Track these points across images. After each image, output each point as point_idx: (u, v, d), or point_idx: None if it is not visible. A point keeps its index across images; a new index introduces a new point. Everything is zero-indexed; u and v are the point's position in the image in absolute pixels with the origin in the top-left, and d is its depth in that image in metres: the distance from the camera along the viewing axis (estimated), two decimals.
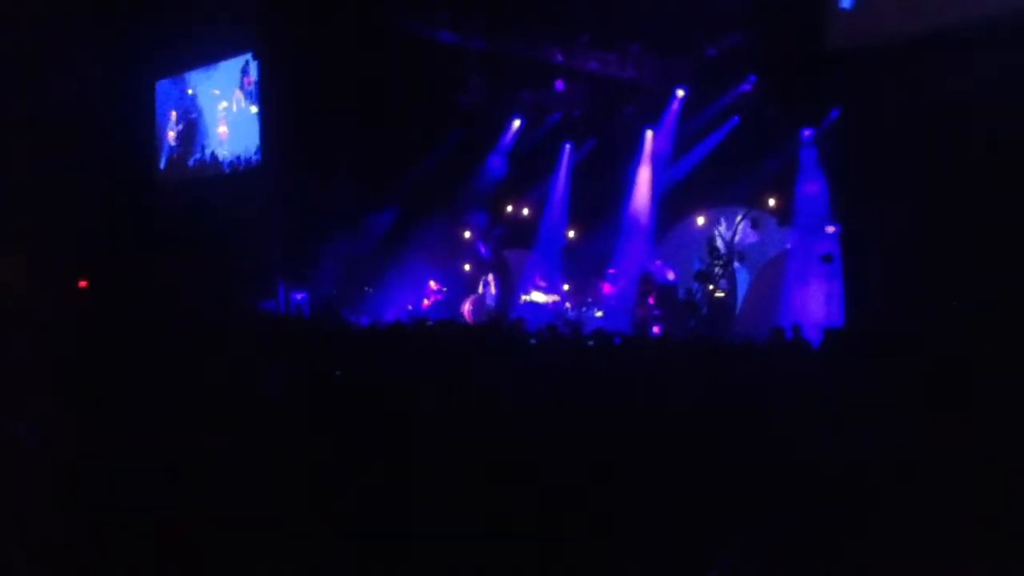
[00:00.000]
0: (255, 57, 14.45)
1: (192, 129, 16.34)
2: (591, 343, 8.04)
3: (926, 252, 8.11)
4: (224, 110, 15.65)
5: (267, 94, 14.34)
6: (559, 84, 14.08)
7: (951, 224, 7.88)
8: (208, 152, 16.00)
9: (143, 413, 4.89)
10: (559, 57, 13.32)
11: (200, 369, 6.05)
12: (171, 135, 16.84)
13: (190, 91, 16.39)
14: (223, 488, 3.91)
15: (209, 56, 15.30)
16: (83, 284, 13.65)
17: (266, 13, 13.04)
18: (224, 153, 15.62)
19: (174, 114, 16.81)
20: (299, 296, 13.78)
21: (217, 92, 15.74)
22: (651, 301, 12.88)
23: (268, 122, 14.33)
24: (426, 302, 14.71)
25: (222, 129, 15.72)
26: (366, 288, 14.69)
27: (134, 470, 4.07)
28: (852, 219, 10.19)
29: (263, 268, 13.59)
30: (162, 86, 16.67)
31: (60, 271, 13.45)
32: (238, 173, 15.09)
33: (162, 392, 5.35)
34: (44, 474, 4.06)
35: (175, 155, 16.68)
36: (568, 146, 14.76)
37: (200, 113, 16.26)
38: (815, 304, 11.45)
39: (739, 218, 13.19)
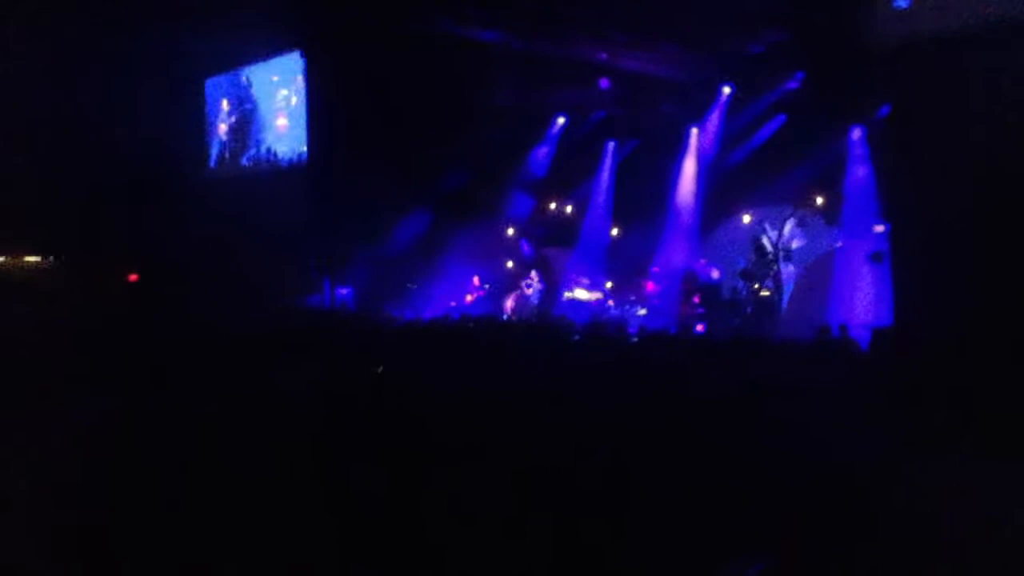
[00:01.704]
0: (303, 55, 14.58)
1: (247, 121, 15.76)
2: (635, 340, 8.01)
3: (977, 252, 7.94)
4: (284, 99, 14.99)
5: (313, 92, 14.49)
6: (603, 82, 14.02)
7: (1002, 223, 7.70)
8: (264, 148, 15.50)
9: (185, 407, 4.97)
10: (602, 56, 13.26)
11: (243, 366, 6.13)
12: (222, 128, 16.25)
13: (245, 79, 15.71)
14: (253, 482, 3.95)
15: (257, 54, 15.41)
16: (133, 278, 13.93)
17: (314, 11, 13.15)
18: (283, 149, 15.09)
19: (226, 104, 16.17)
20: (344, 291, 13.93)
21: (276, 79, 15.08)
22: (695, 300, 12.79)
23: (314, 120, 14.48)
24: (469, 298, 14.76)
25: (281, 122, 15.06)
26: (409, 284, 14.79)
27: (170, 466, 4.13)
28: (901, 218, 10.00)
29: (309, 264, 13.74)
30: (212, 83, 16.48)
31: (109, 268, 13.70)
32: (293, 170, 14.95)
33: (205, 387, 5.43)
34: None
35: (227, 151, 16.23)
36: (612, 144, 14.72)
37: (256, 104, 15.58)
38: (863, 304, 11.27)
39: (786, 217, 13.04)
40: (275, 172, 15.26)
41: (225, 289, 12.33)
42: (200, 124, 16.68)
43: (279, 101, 15.22)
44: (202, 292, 12.16)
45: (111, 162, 14.06)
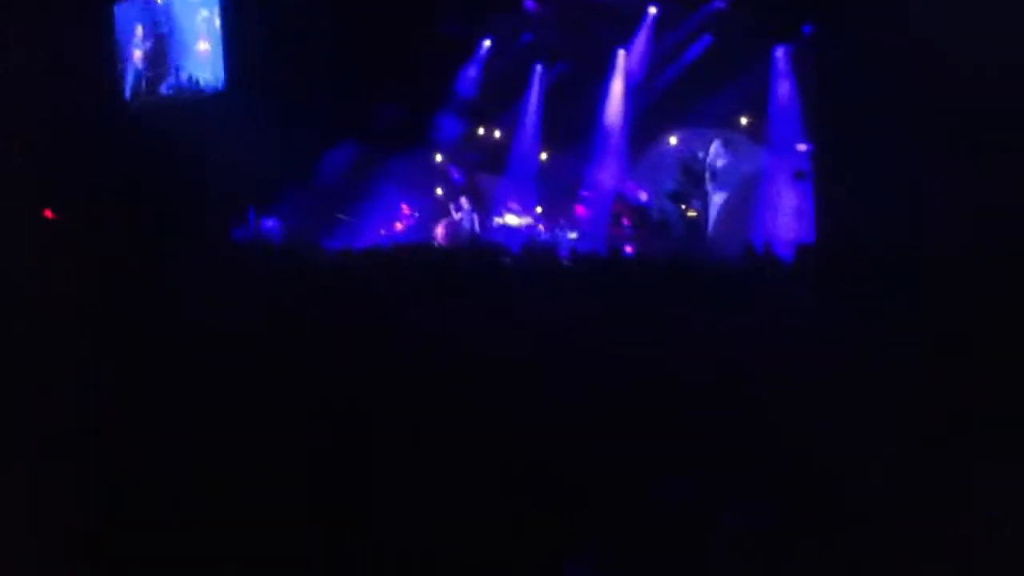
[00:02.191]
0: None
1: (163, 46, 14.82)
2: (566, 263, 8.08)
3: (897, 169, 8.15)
4: (204, 21, 14.16)
5: (230, 13, 13.90)
6: (529, 3, 13.82)
7: (923, 141, 7.91)
8: (185, 75, 14.66)
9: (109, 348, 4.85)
10: None
11: (167, 302, 5.99)
12: (136, 55, 15.28)
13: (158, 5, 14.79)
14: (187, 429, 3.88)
15: None
16: (48, 214, 13.41)
17: None
18: (206, 76, 14.29)
19: (140, 29, 15.15)
20: (270, 223, 13.66)
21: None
22: (625, 222, 12.92)
23: (233, 45, 13.94)
24: (399, 226, 14.64)
25: (202, 46, 14.19)
26: (338, 215, 14.58)
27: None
28: (824, 136, 10.20)
29: (235, 196, 13.40)
30: (122, 7, 15.47)
31: (23, 206, 13.12)
32: (215, 99, 14.29)
33: (130, 327, 5.30)
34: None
35: (144, 80, 15.34)
36: (539, 68, 14.56)
37: (173, 26, 14.63)
38: (786, 221, 11.55)
39: (712, 138, 13.17)
40: (197, 101, 14.52)
41: (145, 224, 11.97)
42: (111, 52, 15.61)
43: (199, 23, 14.38)
44: (120, 228, 11.78)
45: (17, 95, 13.34)
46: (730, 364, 4.44)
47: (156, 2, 15.01)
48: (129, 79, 15.68)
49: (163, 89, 15.18)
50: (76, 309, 5.74)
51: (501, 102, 14.94)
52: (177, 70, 14.89)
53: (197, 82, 14.62)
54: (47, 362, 4.63)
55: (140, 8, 15.28)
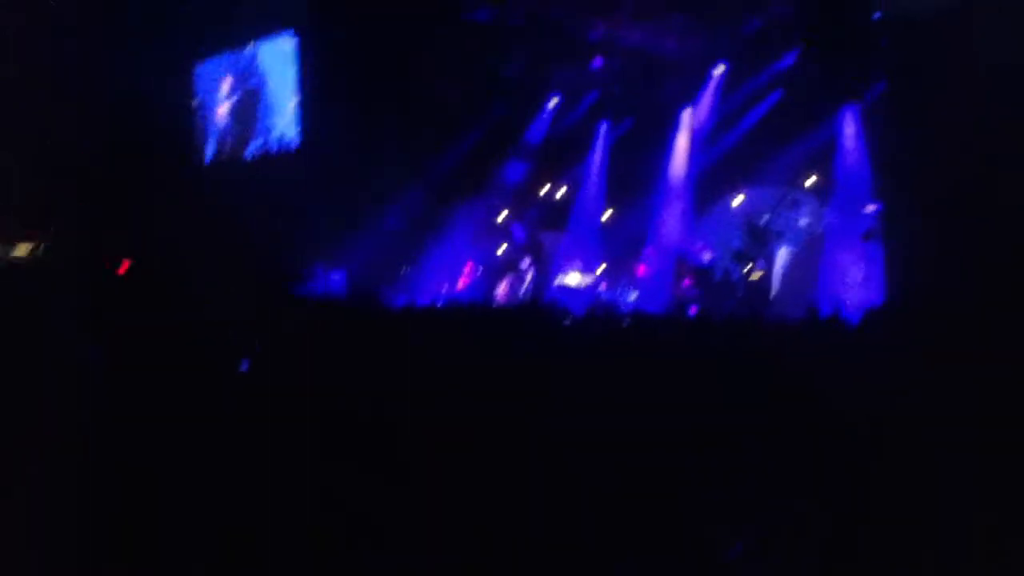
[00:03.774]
0: (295, 34, 14.38)
1: (252, 101, 14.20)
2: (626, 324, 7.99)
3: (970, 232, 7.94)
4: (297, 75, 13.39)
5: (307, 73, 14.27)
6: (597, 61, 13.97)
7: (997, 207, 7.70)
8: (275, 136, 13.88)
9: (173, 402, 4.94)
10: (599, 31, 13.18)
11: (231, 358, 6.10)
12: (221, 111, 14.71)
13: (250, 50, 14.02)
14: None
15: (248, 37, 15.07)
16: (123, 268, 13.83)
17: None
18: (294, 133, 13.66)
19: (227, 83, 14.52)
20: (336, 276, 13.89)
21: (288, 49, 13.45)
22: (687, 282, 12.79)
23: (308, 102, 14.31)
24: (462, 282, 14.74)
25: (294, 102, 13.51)
26: (404, 268, 14.77)
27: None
28: (894, 198, 10.01)
29: (300, 249, 13.68)
30: (204, 68, 15.54)
31: (101, 259, 13.53)
32: (293, 155, 13.99)
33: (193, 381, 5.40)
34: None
35: (228, 141, 14.78)
36: (604, 125, 14.65)
37: (263, 81, 13.92)
38: (854, 283, 11.29)
39: (779, 197, 13.02)
40: (280, 158, 14.31)
41: (218, 279, 12.25)
42: (190, 114, 15.92)
43: (291, 77, 13.90)
44: (194, 283, 12.08)
45: (100, 152, 13.87)
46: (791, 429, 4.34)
47: (246, 54, 14.42)
48: (211, 140, 15.49)
49: (247, 154, 14.70)
50: (144, 364, 5.87)
51: (566, 158, 15.06)
52: (266, 131, 14.33)
53: (288, 143, 14.10)
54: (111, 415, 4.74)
55: (228, 62, 14.82)
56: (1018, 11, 7.85)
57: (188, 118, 15.88)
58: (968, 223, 7.78)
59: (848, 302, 9.54)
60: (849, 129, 11.98)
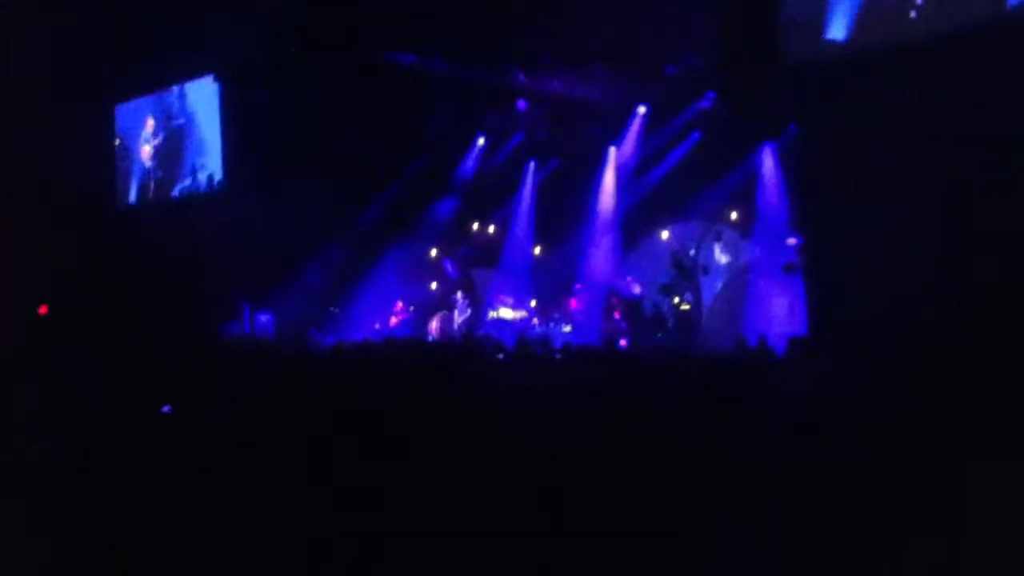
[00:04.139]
0: (216, 79, 14.27)
1: (177, 140, 14.00)
2: (558, 356, 8.07)
3: (886, 260, 8.27)
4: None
5: (229, 117, 14.16)
6: (521, 104, 14.20)
7: (910, 232, 8.05)
8: (204, 176, 13.76)
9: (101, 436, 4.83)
10: (521, 78, 13.47)
11: (158, 395, 6.00)
12: (145, 151, 14.43)
13: (176, 91, 13.90)
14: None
15: (169, 79, 14.92)
16: (43, 310, 13.42)
17: (230, 37, 12.93)
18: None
19: (150, 123, 14.39)
20: (264, 317, 13.69)
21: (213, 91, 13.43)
22: (616, 315, 12.97)
23: (230, 145, 14.16)
24: (393, 320, 14.68)
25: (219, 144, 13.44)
26: (332, 308, 14.64)
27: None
28: (812, 230, 10.37)
29: (228, 290, 13.46)
30: (124, 109, 15.41)
31: (19, 302, 13.10)
32: (215, 196, 13.95)
33: (121, 417, 5.28)
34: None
35: (153, 182, 14.55)
36: (532, 164, 14.86)
37: (190, 119, 13.75)
38: (778, 314, 11.60)
39: (703, 232, 13.35)
40: (207, 198, 14.16)
41: (140, 319, 11.98)
42: (110, 154, 15.59)
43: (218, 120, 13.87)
44: (116, 325, 11.79)
45: (13, 192, 13.43)
46: (722, 454, 4.43)
47: (171, 95, 14.28)
48: (134, 181, 15.21)
49: (175, 192, 14.55)
50: (70, 400, 5.72)
51: (495, 197, 15.20)
52: (194, 170, 14.16)
53: (218, 182, 14.01)
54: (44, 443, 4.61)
55: (152, 102, 14.64)
56: (922, 51, 8.30)
57: (110, 158, 15.55)
58: (885, 253, 8.11)
59: (773, 332, 9.77)
60: (768, 166, 12.37)
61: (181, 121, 14.34)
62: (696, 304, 13.08)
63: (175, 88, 14.41)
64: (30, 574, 3.35)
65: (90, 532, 3.54)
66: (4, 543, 3.43)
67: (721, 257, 13.29)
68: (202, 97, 14.13)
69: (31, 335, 11.46)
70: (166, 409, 5.95)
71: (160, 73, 14.71)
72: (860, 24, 8.78)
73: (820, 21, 9.02)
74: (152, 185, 15.03)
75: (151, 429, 5.26)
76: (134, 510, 3.75)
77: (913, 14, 8.38)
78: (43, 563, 3.37)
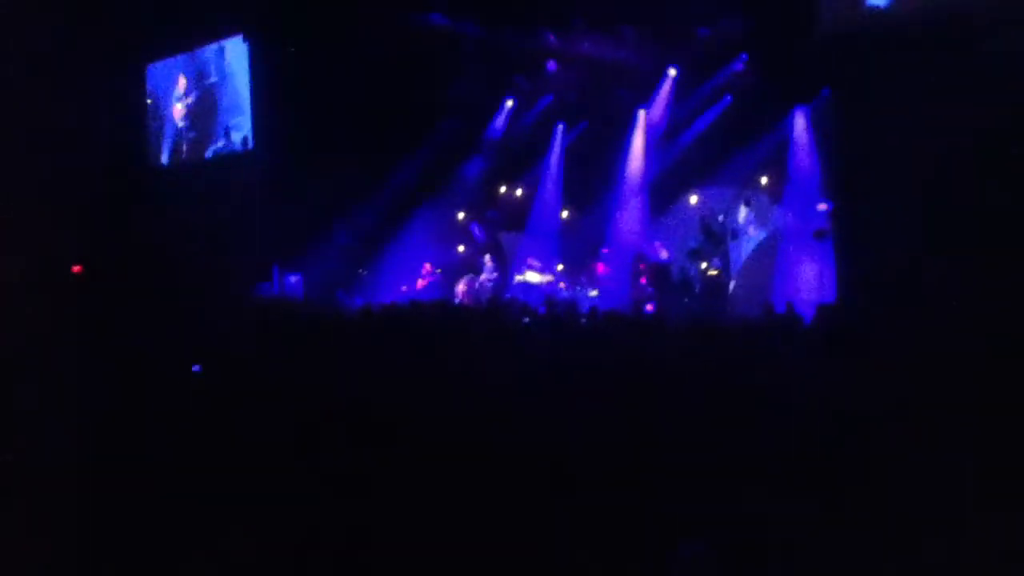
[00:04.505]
0: (245, 39, 14.24)
1: (211, 99, 13.79)
2: (584, 321, 8.09)
3: (917, 230, 8.17)
4: None
5: (258, 78, 14.16)
6: (551, 65, 14.06)
7: (943, 202, 7.94)
8: (239, 137, 13.58)
9: (139, 404, 4.92)
10: (551, 40, 13.33)
11: (193, 359, 6.08)
12: (177, 111, 14.23)
13: (214, 49, 13.54)
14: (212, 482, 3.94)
15: (198, 39, 14.90)
16: (77, 269, 13.63)
17: None
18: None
19: (182, 81, 14.09)
20: (293, 279, 13.81)
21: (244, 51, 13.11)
22: (644, 280, 12.94)
23: (260, 106, 14.18)
24: (420, 283, 14.75)
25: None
26: (360, 270, 14.73)
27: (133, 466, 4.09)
28: (844, 197, 10.24)
29: (259, 251, 13.59)
30: (155, 68, 15.31)
31: (53, 263, 13.29)
32: (246, 157, 13.87)
33: (158, 381, 5.37)
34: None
35: (184, 142, 14.43)
36: (560, 127, 14.76)
37: (225, 77, 13.47)
38: (807, 281, 11.52)
39: (732, 197, 13.24)
40: (238, 159, 14.07)
41: (173, 282, 12.14)
42: (142, 115, 15.60)
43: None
44: (149, 286, 11.95)
45: (45, 155, 13.58)
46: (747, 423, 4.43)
47: (206, 50, 14.14)
48: (166, 141, 15.18)
49: (208, 153, 14.48)
50: (100, 362, 5.82)
51: (523, 160, 15.14)
52: (227, 130, 14.06)
53: (248, 144, 13.91)
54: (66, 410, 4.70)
55: (184, 58, 14.53)
56: (955, 21, 8.11)
57: (143, 118, 15.64)
58: (918, 222, 8.01)
59: (802, 299, 9.72)
60: (800, 131, 12.22)
61: (215, 80, 14.17)
62: (724, 270, 13.01)
63: (212, 46, 14.28)
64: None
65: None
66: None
67: (751, 222, 13.19)
68: (236, 56, 14.04)
69: (65, 295, 11.64)
70: (196, 368, 6.05)
71: (190, 32, 14.71)
72: None
73: None
74: (185, 146, 15.04)
75: (183, 388, 5.35)
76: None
77: None
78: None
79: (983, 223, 7.47)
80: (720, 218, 13.23)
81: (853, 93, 9.51)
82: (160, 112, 15.38)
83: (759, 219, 13.10)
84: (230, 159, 14.32)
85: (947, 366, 4.87)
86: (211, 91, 14.36)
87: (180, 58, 15.01)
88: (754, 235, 13.18)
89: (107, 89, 14.30)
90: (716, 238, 13.01)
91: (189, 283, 11.90)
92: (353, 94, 13.15)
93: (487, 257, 14.65)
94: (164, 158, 15.45)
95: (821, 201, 11.56)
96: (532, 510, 3.72)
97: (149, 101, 15.58)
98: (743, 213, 13.20)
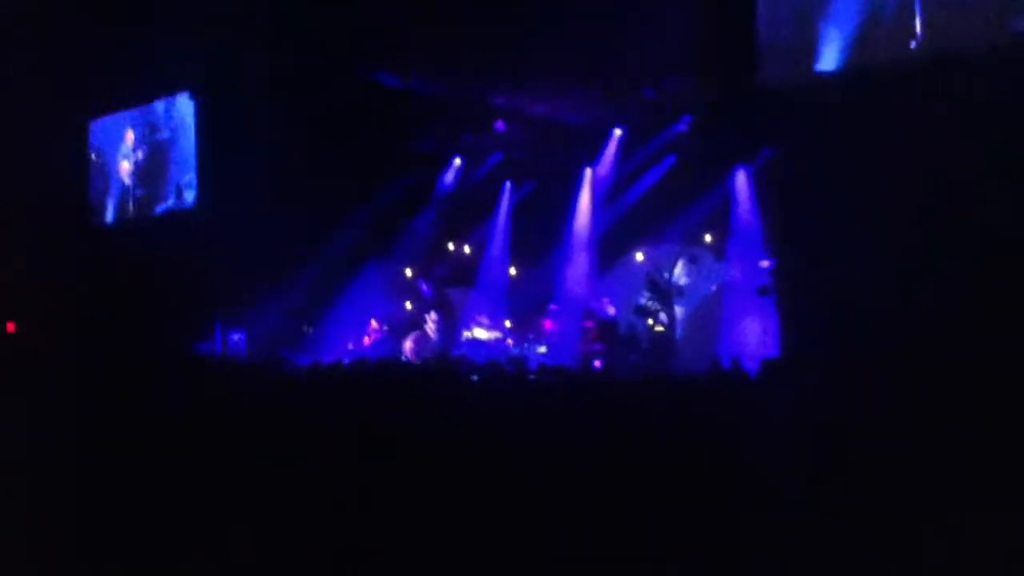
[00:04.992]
0: (192, 96, 14.20)
1: (161, 156, 13.73)
2: (532, 378, 8.05)
3: (858, 284, 8.35)
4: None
5: (205, 133, 14.07)
6: (499, 125, 14.24)
7: (880, 256, 8.14)
8: (191, 193, 13.55)
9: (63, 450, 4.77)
10: (499, 100, 13.52)
11: (123, 413, 5.92)
12: (124, 167, 14.13)
13: (162, 105, 13.65)
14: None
15: (143, 95, 14.76)
16: (10, 327, 13.24)
17: (206, 52, 12.89)
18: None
19: (130, 137, 14.03)
20: (236, 336, 13.57)
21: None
22: (592, 336, 12.98)
23: (205, 161, 14.06)
24: (367, 340, 14.60)
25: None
26: (306, 327, 14.55)
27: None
28: (785, 253, 10.44)
29: (200, 308, 13.35)
30: (100, 124, 15.18)
31: None
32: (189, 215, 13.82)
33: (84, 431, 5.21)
34: None
35: (132, 200, 14.29)
36: (508, 185, 14.90)
37: (177, 134, 13.52)
38: (752, 336, 11.66)
39: (677, 255, 13.43)
40: (183, 217, 13.99)
41: (111, 336, 11.84)
42: (84, 171, 15.41)
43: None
44: (86, 342, 11.65)
45: None
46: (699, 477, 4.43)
47: (154, 106, 14.10)
48: (111, 199, 14.96)
49: (157, 210, 14.28)
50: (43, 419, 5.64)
51: (471, 217, 15.21)
52: (179, 187, 13.93)
53: (195, 202, 13.89)
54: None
55: (132, 113, 14.45)
56: (896, 79, 8.42)
57: (87, 174, 15.37)
58: (859, 275, 8.19)
59: (747, 354, 9.82)
60: (741, 189, 12.49)
61: (165, 136, 14.10)
62: (670, 326, 13.14)
63: (160, 102, 14.21)
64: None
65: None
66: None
67: (695, 279, 13.37)
68: (187, 112, 13.97)
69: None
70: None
71: (136, 88, 14.60)
72: (854, 53, 8.77)
73: (810, 49, 9.04)
74: (131, 203, 14.80)
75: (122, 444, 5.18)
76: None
77: (913, 44, 8.40)
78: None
79: (926, 276, 7.67)
80: (665, 275, 13.39)
81: (792, 150, 9.77)
82: (105, 169, 15.13)
83: (703, 275, 13.29)
84: (179, 216, 14.14)
85: (891, 416, 4.94)
86: (161, 147, 14.24)
87: (127, 113, 14.85)
88: (698, 291, 13.35)
89: (49, 143, 14.11)
90: (662, 294, 13.15)
91: (126, 342, 11.61)
92: (302, 148, 13.13)
93: (432, 313, 14.59)
94: (109, 216, 15.16)
95: (763, 258, 11.77)
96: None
97: (93, 157, 15.35)
98: (686, 269, 13.38)
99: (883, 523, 3.69)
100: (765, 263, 11.71)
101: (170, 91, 14.34)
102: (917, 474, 3.96)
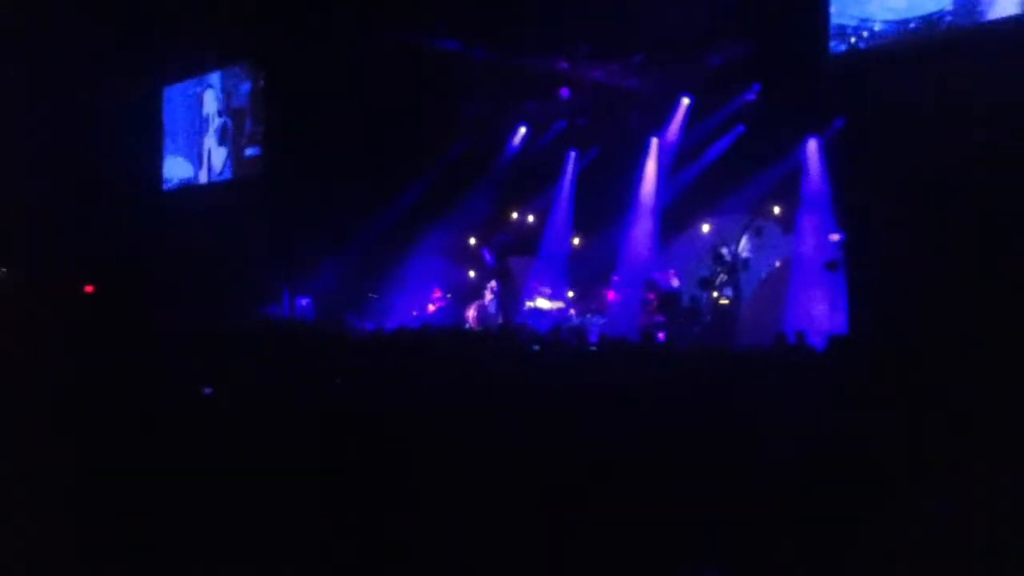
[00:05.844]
0: (260, 66, 14.39)
1: (231, 125, 14.20)
2: (594, 348, 8.05)
3: (930, 260, 8.13)
4: None
5: (269, 102, 14.29)
6: (564, 92, 14.10)
7: (954, 232, 7.90)
8: (256, 160, 14.02)
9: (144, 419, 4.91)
10: (563, 66, 13.37)
11: (201, 376, 6.08)
12: (200, 134, 14.56)
13: (220, 75, 14.03)
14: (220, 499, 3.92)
15: (207, 65, 15.06)
16: (89, 289, 13.70)
17: (269, 21, 13.02)
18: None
19: (206, 101, 14.50)
20: (304, 301, 13.84)
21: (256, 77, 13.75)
22: (654, 308, 12.88)
23: (271, 130, 14.29)
24: (431, 308, 14.74)
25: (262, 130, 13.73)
26: (371, 294, 14.75)
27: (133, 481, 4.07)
28: (856, 227, 10.19)
29: (269, 275, 13.65)
30: (172, 91, 15.71)
31: (65, 281, 13.42)
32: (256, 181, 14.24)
33: (164, 398, 5.36)
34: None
35: (201, 165, 14.76)
36: (573, 154, 14.79)
37: (245, 103, 13.92)
38: (819, 312, 11.44)
39: (744, 226, 13.20)
40: (250, 184, 14.45)
41: (184, 301, 12.18)
42: (159, 136, 15.97)
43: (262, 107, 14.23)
44: (160, 305, 12.00)
45: (65, 175, 13.74)
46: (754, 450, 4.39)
47: (225, 75, 14.60)
48: (182, 163, 15.46)
49: (224, 176, 14.80)
50: (113, 378, 5.82)
51: (535, 186, 15.17)
52: (244, 156, 14.42)
53: (259, 169, 14.35)
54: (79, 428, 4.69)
55: (204, 81, 14.98)
56: (968, 48, 8.12)
57: (160, 140, 15.81)
58: (930, 251, 7.96)
59: (814, 330, 9.64)
60: (812, 159, 12.19)
61: (235, 103, 14.51)
62: (735, 299, 12.95)
63: (232, 70, 14.58)
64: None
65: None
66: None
67: (760, 252, 13.14)
68: (253, 81, 14.33)
69: (73, 315, 11.70)
70: (208, 391, 6.03)
71: (201, 59, 14.91)
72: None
73: (868, 20, 8.80)
74: (200, 169, 15.23)
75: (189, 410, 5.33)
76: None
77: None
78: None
79: (997, 252, 7.42)
80: (732, 247, 13.18)
81: (865, 122, 9.50)
82: (178, 136, 15.57)
83: (769, 248, 13.05)
84: (245, 184, 14.45)
85: (960, 396, 4.82)
86: (231, 115, 14.65)
87: (201, 80, 15.25)
88: (765, 264, 13.12)
89: (123, 111, 14.51)
90: (727, 267, 12.96)
91: (200, 304, 11.94)
92: (364, 118, 13.22)
93: (494, 282, 14.63)
94: (178, 181, 15.56)
95: (834, 231, 11.50)
96: (536, 528, 3.69)
97: (166, 123, 15.82)
98: (751, 242, 13.15)
99: (956, 504, 3.61)
100: (835, 236, 11.44)
101: (239, 60, 14.60)
102: (992, 457, 3.87)
